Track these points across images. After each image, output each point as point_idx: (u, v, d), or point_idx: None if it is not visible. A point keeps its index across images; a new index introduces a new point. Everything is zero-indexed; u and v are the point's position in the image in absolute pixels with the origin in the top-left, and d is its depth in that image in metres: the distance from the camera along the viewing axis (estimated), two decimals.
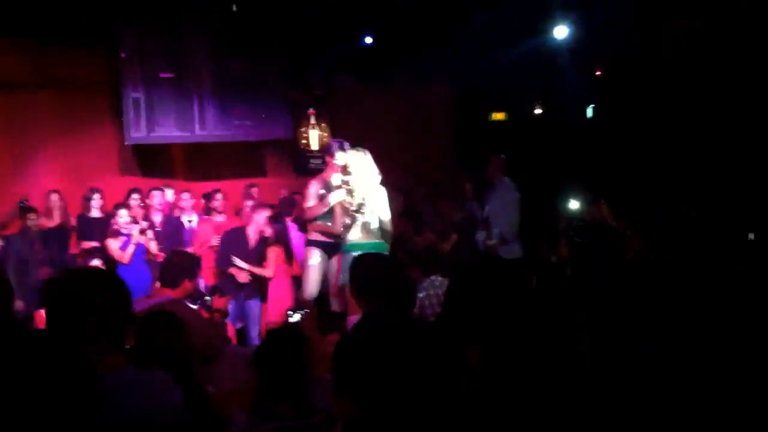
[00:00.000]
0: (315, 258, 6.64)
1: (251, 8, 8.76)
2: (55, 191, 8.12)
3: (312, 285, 6.68)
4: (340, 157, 6.26)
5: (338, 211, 6.01)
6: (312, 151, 10.87)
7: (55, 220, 8.01)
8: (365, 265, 3.85)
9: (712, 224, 6.16)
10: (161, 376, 2.41)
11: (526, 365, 2.79)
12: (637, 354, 3.34)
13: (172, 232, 8.08)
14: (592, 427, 2.80)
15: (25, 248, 7.28)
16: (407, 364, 2.88)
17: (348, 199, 5.84)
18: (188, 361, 3.30)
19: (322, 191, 6.41)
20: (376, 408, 2.48)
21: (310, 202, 6.50)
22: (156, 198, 8.17)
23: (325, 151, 6.61)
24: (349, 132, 9.88)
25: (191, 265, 4.80)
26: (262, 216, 7.33)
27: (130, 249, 7.34)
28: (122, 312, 2.35)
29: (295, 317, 4.77)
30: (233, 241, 7.28)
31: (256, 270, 7.22)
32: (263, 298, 7.49)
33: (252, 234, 7.32)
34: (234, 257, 7.12)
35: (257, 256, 7.27)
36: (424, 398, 2.73)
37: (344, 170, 6.01)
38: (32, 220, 7.37)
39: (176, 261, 4.82)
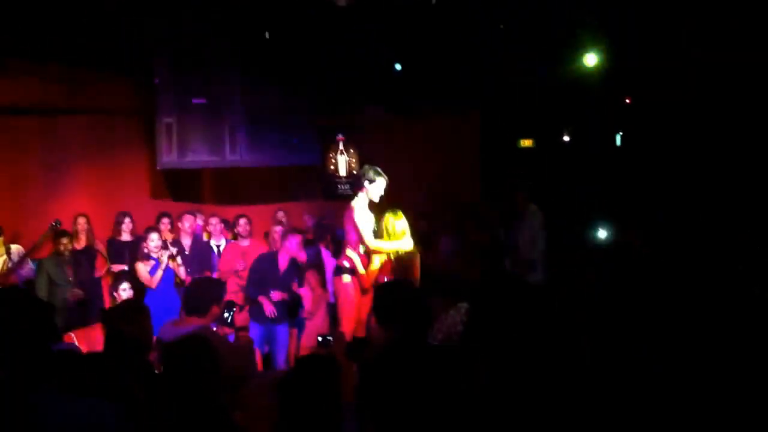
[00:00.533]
0: (351, 286, 6.30)
1: (282, 36, 8.86)
2: (82, 215, 8.23)
3: (351, 315, 6.28)
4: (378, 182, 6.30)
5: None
6: (340, 177, 10.95)
7: (82, 243, 8.13)
8: (389, 292, 3.90)
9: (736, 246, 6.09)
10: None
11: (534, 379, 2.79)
12: (637, 355, 3.32)
13: (200, 256, 8.14)
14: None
15: (56, 271, 7.40)
16: (432, 391, 2.89)
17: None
18: (216, 388, 3.30)
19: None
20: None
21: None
22: (187, 222, 8.25)
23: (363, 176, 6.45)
24: (377, 159, 9.95)
25: (217, 290, 4.77)
26: (293, 242, 7.33)
27: (158, 274, 7.38)
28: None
29: (326, 342, 4.75)
30: (264, 268, 7.28)
31: (287, 296, 7.24)
32: (292, 324, 7.52)
33: (282, 260, 7.33)
34: (272, 292, 7.15)
35: (287, 282, 7.30)
36: (448, 424, 2.74)
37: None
38: (64, 244, 7.48)
39: (203, 288, 4.80)
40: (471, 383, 2.81)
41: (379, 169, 6.35)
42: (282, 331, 7.32)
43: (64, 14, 7.48)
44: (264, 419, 3.55)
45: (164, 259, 7.37)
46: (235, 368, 4.14)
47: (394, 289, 3.94)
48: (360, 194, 6.30)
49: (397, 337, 3.54)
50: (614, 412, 2.99)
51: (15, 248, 7.71)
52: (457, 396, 2.79)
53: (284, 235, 7.58)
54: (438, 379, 2.88)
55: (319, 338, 4.87)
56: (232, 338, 5.22)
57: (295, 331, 7.60)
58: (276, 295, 7.15)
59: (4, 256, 7.52)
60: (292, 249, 7.31)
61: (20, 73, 8.45)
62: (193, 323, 4.53)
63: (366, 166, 6.46)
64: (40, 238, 7.71)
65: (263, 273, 7.23)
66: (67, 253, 7.44)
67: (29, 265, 7.60)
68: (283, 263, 7.31)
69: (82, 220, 8.19)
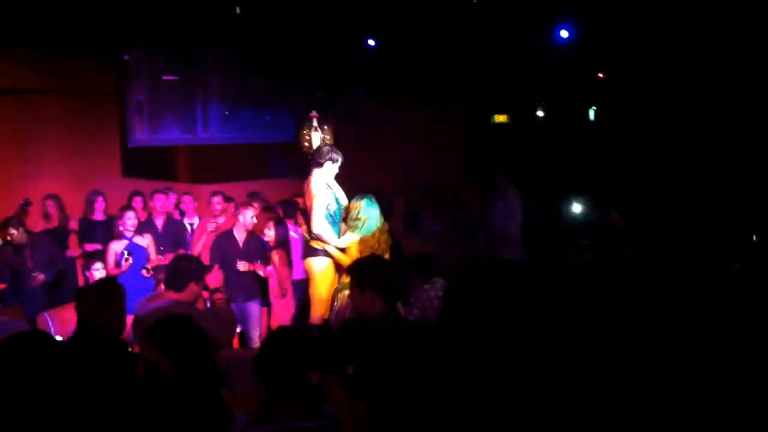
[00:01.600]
0: (325, 269, 6.07)
1: (257, 14, 8.75)
2: (50, 196, 8.15)
3: (325, 299, 6.00)
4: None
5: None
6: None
7: (53, 222, 8.03)
8: (368, 263, 3.97)
9: (714, 226, 6.16)
10: None
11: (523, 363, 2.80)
12: (636, 356, 3.34)
13: (174, 235, 8.07)
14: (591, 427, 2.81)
15: (9, 258, 7.23)
16: (420, 367, 2.90)
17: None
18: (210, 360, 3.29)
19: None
20: (390, 410, 2.49)
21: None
22: (158, 201, 8.16)
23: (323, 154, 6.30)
24: (354, 139, 9.94)
25: (197, 268, 4.73)
26: (246, 215, 7.29)
27: (124, 266, 7.25)
28: None
29: None
30: (223, 244, 7.27)
31: (257, 267, 7.19)
32: (264, 302, 7.49)
33: (238, 234, 7.29)
34: (238, 261, 7.09)
35: (249, 257, 7.22)
36: (432, 399, 2.74)
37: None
38: (12, 234, 7.26)
39: (182, 265, 4.76)
40: (450, 362, 2.82)
41: (334, 147, 6.31)
42: (254, 307, 7.29)
43: None
44: (246, 397, 3.55)
45: (127, 263, 7.23)
46: (215, 337, 4.11)
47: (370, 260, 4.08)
48: (316, 172, 6.16)
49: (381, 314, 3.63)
50: (595, 393, 3.01)
51: None
52: (446, 374, 2.79)
53: (237, 209, 7.52)
54: (429, 356, 2.90)
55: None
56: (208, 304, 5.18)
57: (265, 310, 7.58)
58: (242, 264, 7.07)
59: None
60: (246, 222, 7.25)
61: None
62: (169, 297, 4.53)
63: (321, 144, 6.39)
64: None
65: (224, 250, 7.17)
66: (17, 241, 7.25)
67: None
68: (241, 237, 7.26)
69: (49, 202, 8.08)
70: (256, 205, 8.14)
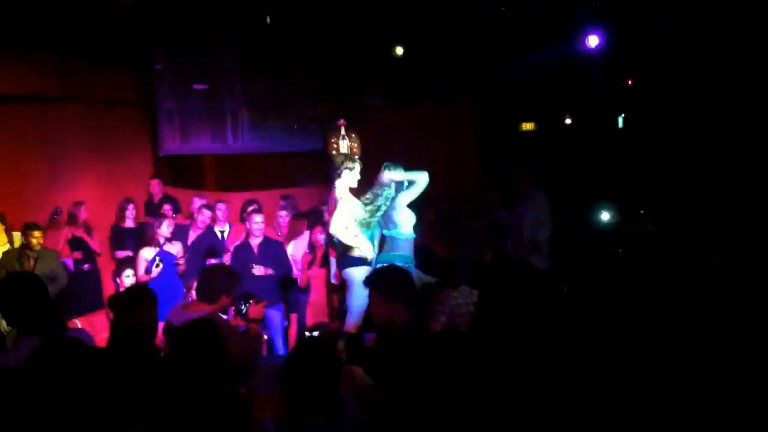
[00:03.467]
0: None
1: (283, 22, 8.82)
2: (78, 203, 8.27)
3: (363, 309, 5.93)
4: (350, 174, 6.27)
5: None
6: None
7: (80, 229, 8.14)
8: (392, 274, 3.97)
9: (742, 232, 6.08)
10: None
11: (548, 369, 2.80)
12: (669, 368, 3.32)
13: (207, 246, 8.11)
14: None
15: (14, 265, 7.07)
16: (450, 374, 2.91)
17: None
18: (222, 368, 3.32)
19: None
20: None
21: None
22: (201, 215, 8.17)
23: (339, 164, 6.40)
24: (377, 146, 9.96)
25: (228, 279, 4.75)
26: (255, 222, 7.28)
27: (155, 272, 7.22)
28: None
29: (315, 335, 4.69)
30: (240, 255, 7.28)
31: (267, 271, 7.20)
32: (289, 308, 7.53)
33: (253, 241, 7.33)
34: (254, 266, 7.10)
35: (265, 262, 7.22)
36: (460, 406, 2.75)
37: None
38: (37, 237, 7.19)
39: (213, 276, 4.79)
40: (482, 369, 2.83)
41: (352, 156, 6.36)
42: (275, 314, 7.23)
43: (64, 4, 7.43)
44: (269, 401, 3.58)
45: (157, 269, 7.27)
46: (241, 356, 4.15)
47: (397, 271, 4.06)
48: (338, 182, 6.26)
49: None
50: (621, 401, 3.01)
51: (17, 236, 7.69)
52: (476, 380, 2.80)
53: (249, 215, 7.54)
54: (460, 363, 2.90)
55: (306, 332, 4.82)
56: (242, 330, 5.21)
57: (294, 316, 7.61)
58: (258, 269, 7.08)
59: (7, 245, 7.51)
60: (258, 228, 7.25)
61: (19, 63, 8.45)
62: (202, 309, 4.54)
63: (339, 156, 6.46)
64: (43, 227, 7.72)
65: (241, 260, 7.18)
66: (38, 247, 7.26)
67: None
68: (255, 244, 7.29)
69: (79, 208, 8.21)
70: (284, 213, 8.25)
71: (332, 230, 6.14)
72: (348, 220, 6.17)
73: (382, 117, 11.13)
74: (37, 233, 7.21)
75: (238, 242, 7.61)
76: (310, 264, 7.50)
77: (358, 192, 6.42)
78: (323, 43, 9.52)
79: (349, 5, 8.06)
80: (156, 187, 9.15)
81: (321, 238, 7.42)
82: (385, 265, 5.19)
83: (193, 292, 6.33)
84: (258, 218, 7.32)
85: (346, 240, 6.13)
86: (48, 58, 8.70)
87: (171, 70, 9.51)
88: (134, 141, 10.11)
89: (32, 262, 7.10)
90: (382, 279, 4.07)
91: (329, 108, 10.82)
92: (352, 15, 8.54)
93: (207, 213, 8.17)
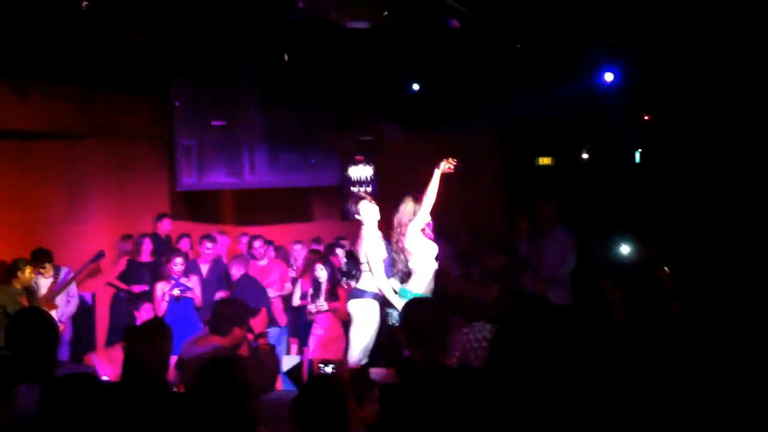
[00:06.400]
0: (368, 312, 6.08)
1: (300, 58, 8.90)
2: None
3: (365, 343, 6.05)
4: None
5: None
6: None
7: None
8: (420, 311, 3.92)
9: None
10: None
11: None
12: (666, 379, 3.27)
13: (217, 279, 8.14)
14: None
15: (12, 301, 6.78)
16: (462, 414, 2.87)
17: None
18: (244, 407, 3.29)
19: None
20: None
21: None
22: (205, 247, 8.21)
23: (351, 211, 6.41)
24: (396, 178, 9.99)
25: (241, 313, 4.75)
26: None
27: (163, 306, 7.37)
28: None
29: (328, 370, 4.66)
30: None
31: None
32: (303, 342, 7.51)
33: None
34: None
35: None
36: None
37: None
38: (45, 269, 7.33)
39: (226, 309, 4.79)
40: (499, 407, 2.79)
41: (359, 195, 6.33)
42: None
43: (84, 38, 7.53)
44: None
45: (174, 293, 7.34)
46: (257, 383, 4.12)
47: (426, 307, 3.98)
48: (365, 222, 6.19)
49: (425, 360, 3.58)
50: None
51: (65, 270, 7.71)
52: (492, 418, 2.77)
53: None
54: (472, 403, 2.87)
55: (320, 365, 4.79)
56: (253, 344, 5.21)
57: (306, 349, 7.59)
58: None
59: (52, 278, 7.51)
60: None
61: (45, 98, 8.52)
62: (213, 342, 4.54)
63: (351, 194, 6.44)
64: (84, 266, 7.86)
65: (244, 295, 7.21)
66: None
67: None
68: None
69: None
70: (298, 246, 8.30)
71: (381, 286, 6.03)
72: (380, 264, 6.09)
73: (401, 149, 11.17)
74: (48, 265, 7.33)
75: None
76: (314, 298, 7.43)
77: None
78: (341, 77, 9.58)
79: (367, 39, 8.10)
80: (164, 228, 9.12)
81: (322, 274, 7.35)
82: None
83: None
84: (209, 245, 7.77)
85: (382, 284, 6.03)
86: (68, 92, 8.76)
87: (189, 105, 9.57)
88: (152, 175, 10.16)
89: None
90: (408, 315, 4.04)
91: (347, 142, 10.89)
92: (371, 48, 8.59)
93: (209, 245, 8.18)
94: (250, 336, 5.04)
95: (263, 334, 4.77)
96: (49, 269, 7.38)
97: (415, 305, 4.14)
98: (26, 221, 8.52)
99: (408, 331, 3.88)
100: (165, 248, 8.53)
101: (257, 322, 4.84)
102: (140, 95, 9.46)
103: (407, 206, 6.18)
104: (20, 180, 8.62)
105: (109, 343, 7.74)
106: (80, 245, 8.67)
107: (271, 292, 7.99)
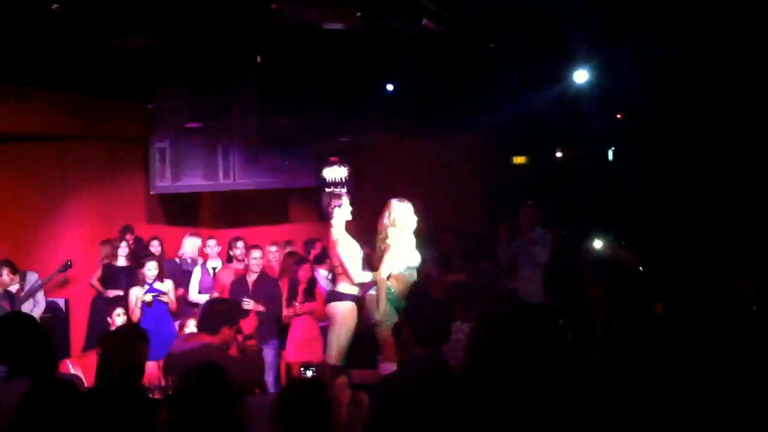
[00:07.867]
0: (346, 313, 6.16)
1: (278, 61, 8.87)
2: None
3: (343, 345, 6.12)
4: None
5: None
6: None
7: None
8: (429, 308, 3.97)
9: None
10: None
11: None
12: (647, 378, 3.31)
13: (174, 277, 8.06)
14: None
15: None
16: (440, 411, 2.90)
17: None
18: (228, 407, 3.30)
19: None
20: None
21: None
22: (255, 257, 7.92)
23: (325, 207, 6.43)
24: (376, 181, 10.02)
25: (231, 312, 4.83)
26: (253, 257, 7.39)
27: (137, 312, 7.29)
28: None
29: (309, 374, 4.66)
30: (236, 290, 7.31)
31: (257, 307, 7.17)
32: (282, 344, 7.48)
33: (249, 277, 7.40)
34: (244, 299, 7.09)
35: (257, 297, 7.24)
36: None
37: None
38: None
39: (216, 308, 4.86)
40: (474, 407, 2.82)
41: (335, 191, 6.36)
42: (269, 352, 7.09)
43: (77, 43, 7.44)
44: None
45: (146, 298, 7.31)
46: (241, 383, 4.14)
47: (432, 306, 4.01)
48: (334, 223, 6.26)
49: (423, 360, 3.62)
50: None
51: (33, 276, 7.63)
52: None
53: (247, 250, 7.66)
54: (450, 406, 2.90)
55: (302, 368, 4.80)
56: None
57: (284, 352, 7.55)
58: (248, 302, 7.06)
59: (18, 285, 7.39)
60: (256, 264, 7.36)
61: (36, 102, 8.55)
62: (201, 340, 4.61)
63: (325, 193, 6.46)
64: (51, 275, 7.80)
65: (236, 295, 7.17)
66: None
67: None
68: (251, 279, 7.37)
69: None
70: (273, 248, 8.28)
71: (357, 281, 6.10)
72: (356, 262, 6.16)
73: (381, 152, 11.21)
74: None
75: (236, 278, 7.61)
76: (289, 301, 7.41)
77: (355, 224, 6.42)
78: (321, 81, 9.57)
79: (345, 43, 8.10)
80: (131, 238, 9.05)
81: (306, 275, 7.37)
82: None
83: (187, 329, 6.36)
84: (257, 254, 7.43)
85: (358, 279, 6.11)
86: (52, 95, 8.75)
87: (165, 108, 9.49)
88: (130, 178, 10.12)
89: None
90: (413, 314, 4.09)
91: (326, 144, 10.87)
92: (348, 50, 8.59)
93: (256, 254, 7.80)
94: (239, 337, 5.09)
95: (251, 336, 4.84)
96: (14, 278, 7.27)
97: (423, 303, 4.21)
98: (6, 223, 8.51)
99: (415, 328, 3.92)
100: (142, 252, 8.49)
101: (246, 323, 4.91)
102: (132, 97, 9.40)
103: (393, 212, 6.16)
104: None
105: (87, 348, 7.71)
106: (60, 247, 8.76)
107: None
